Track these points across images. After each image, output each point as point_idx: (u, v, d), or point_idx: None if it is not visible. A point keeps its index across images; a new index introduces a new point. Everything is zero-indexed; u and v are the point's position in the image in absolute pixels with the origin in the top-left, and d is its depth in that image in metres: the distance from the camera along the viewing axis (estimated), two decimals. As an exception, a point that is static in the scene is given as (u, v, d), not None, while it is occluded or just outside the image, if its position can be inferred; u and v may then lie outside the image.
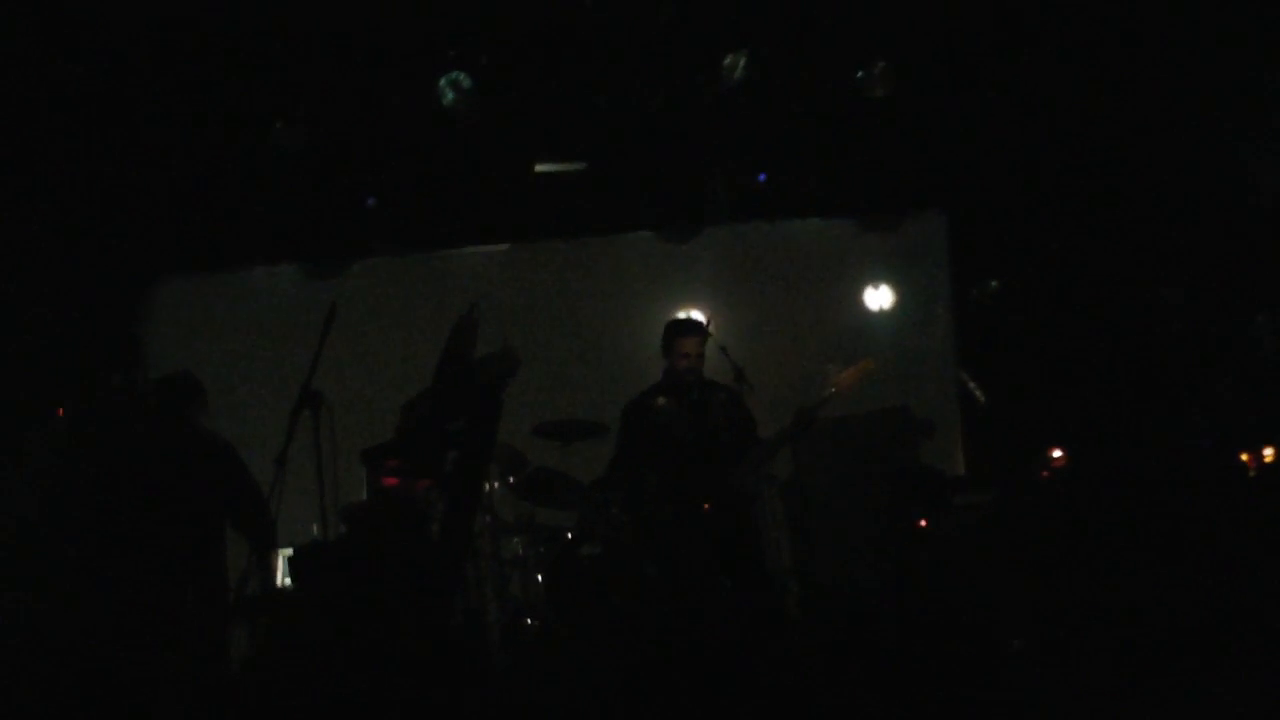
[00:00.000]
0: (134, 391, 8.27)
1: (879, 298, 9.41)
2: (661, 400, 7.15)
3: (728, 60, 8.12)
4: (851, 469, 7.96)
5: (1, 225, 7.86)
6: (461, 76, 7.94)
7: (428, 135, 8.50)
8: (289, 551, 6.75)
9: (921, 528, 7.50)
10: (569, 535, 7.68)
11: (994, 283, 9.48)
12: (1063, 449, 8.18)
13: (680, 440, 7.00)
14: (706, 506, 6.78)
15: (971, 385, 9.34)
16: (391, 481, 6.19)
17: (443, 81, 7.95)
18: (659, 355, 7.27)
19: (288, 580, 6.84)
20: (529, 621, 7.34)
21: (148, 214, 8.34)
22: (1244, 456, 7.86)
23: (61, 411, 7.59)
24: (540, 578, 7.58)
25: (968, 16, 8.05)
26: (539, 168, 8.92)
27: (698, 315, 7.78)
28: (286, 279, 9.20)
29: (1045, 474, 8.02)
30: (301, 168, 8.48)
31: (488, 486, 7.51)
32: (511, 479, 7.93)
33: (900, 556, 7.49)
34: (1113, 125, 8.47)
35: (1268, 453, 7.74)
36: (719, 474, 6.87)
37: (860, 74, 8.34)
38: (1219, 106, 7.74)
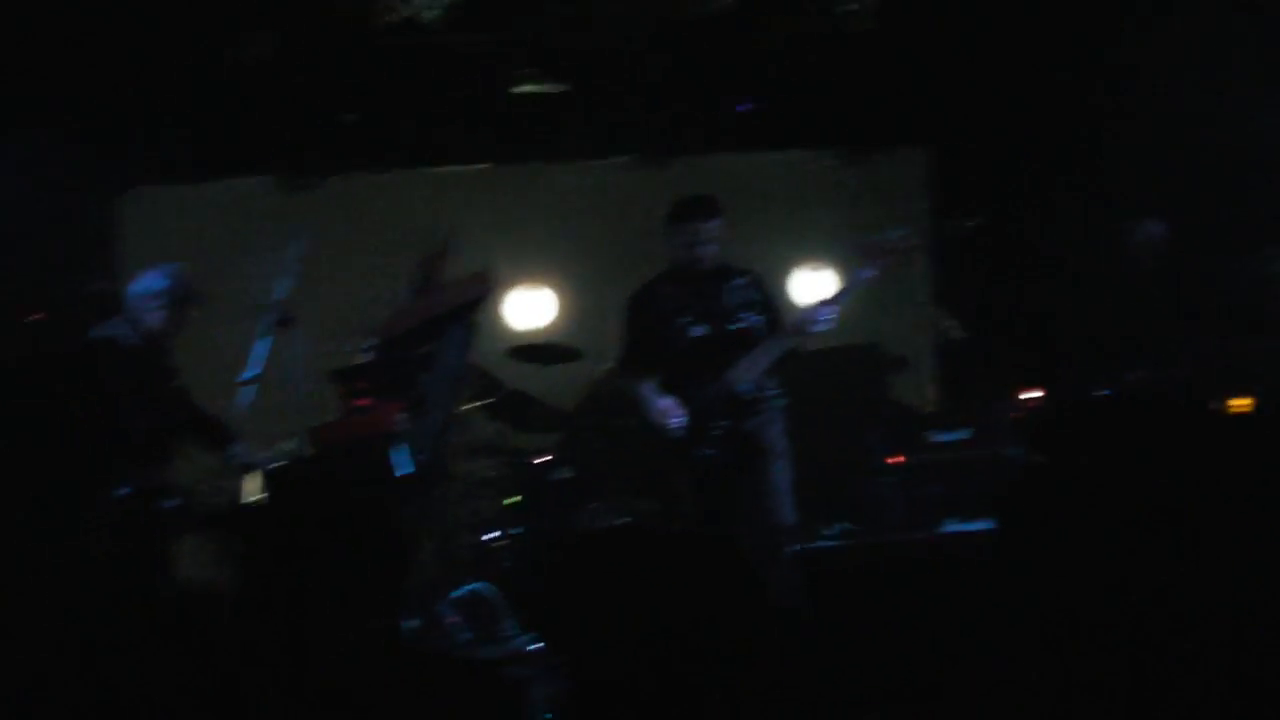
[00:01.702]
0: (106, 301, 8.21)
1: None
2: (666, 288, 6.49)
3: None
4: (820, 404, 7.97)
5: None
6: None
7: (410, 51, 8.39)
8: (259, 471, 6.75)
9: (889, 465, 7.55)
10: (542, 459, 7.72)
11: (972, 218, 9.47)
12: (1035, 389, 8.21)
13: (686, 333, 6.36)
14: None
15: (946, 320, 9.36)
16: (363, 402, 6.21)
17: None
18: (633, 283, 6.82)
19: (259, 498, 6.86)
20: (498, 544, 7.38)
21: (127, 124, 8.23)
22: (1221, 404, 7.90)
23: (31, 320, 7.54)
24: (511, 500, 7.63)
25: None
26: (519, 88, 8.82)
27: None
28: (262, 191, 9.12)
29: (1015, 415, 8.05)
30: (279, 81, 8.38)
31: (460, 409, 7.52)
32: (485, 401, 7.95)
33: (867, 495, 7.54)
34: (1098, 58, 8.42)
35: (1236, 402, 7.78)
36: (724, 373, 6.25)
37: (846, 6, 8.26)
38: (1213, 40, 7.68)
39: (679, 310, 6.38)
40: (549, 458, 7.71)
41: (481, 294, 6.45)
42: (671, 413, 6.24)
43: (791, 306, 6.46)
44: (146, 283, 6.27)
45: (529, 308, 9.24)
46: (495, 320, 8.83)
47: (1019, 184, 9.13)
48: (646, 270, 6.84)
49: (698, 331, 6.33)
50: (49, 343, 7.59)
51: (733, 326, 6.33)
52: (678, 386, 6.32)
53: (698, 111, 9.21)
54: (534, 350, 8.22)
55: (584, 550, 2.75)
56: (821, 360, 7.94)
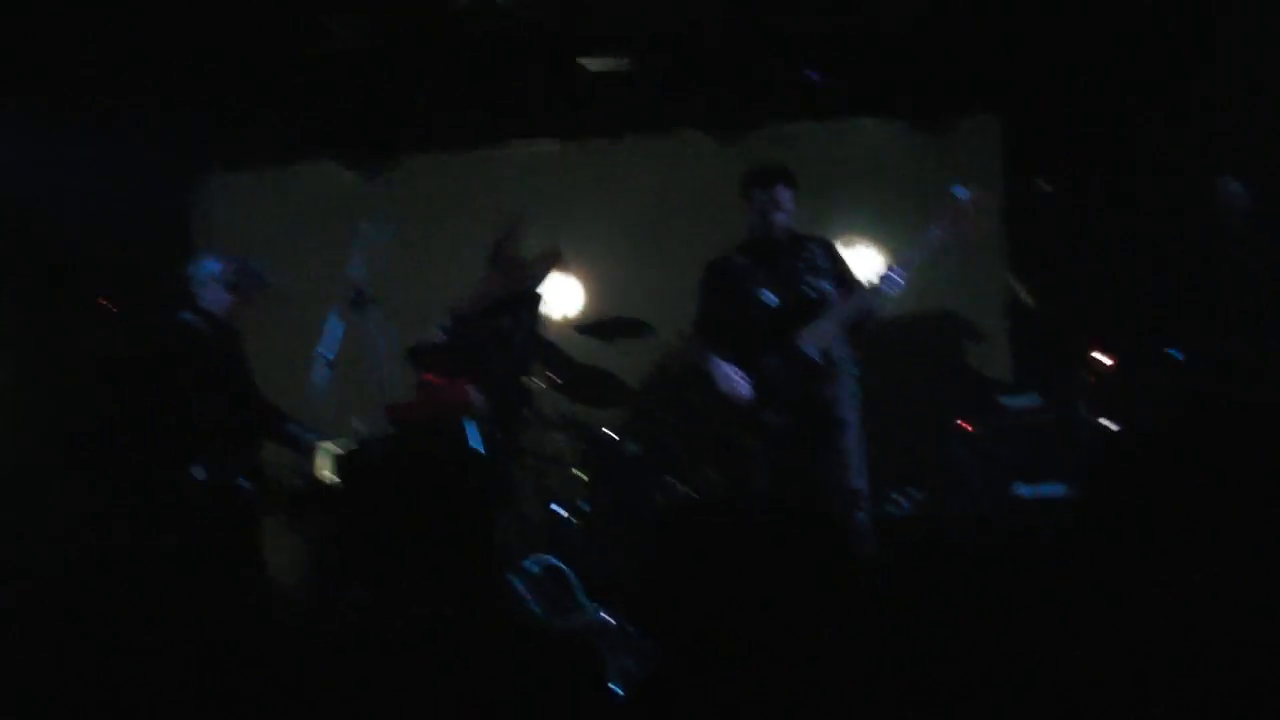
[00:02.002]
0: (185, 285, 8.34)
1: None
2: (740, 259, 6.48)
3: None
4: (896, 372, 7.94)
5: (54, 115, 7.88)
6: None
7: (476, 31, 8.43)
8: (337, 450, 6.83)
9: (963, 429, 7.51)
10: (611, 434, 7.76)
11: (1045, 184, 9.36)
12: (1111, 355, 8.13)
13: (758, 301, 6.35)
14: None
15: (1020, 288, 9.27)
16: (437, 380, 6.26)
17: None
18: (705, 258, 6.88)
19: (336, 479, 6.95)
20: (569, 519, 7.43)
21: (199, 112, 8.34)
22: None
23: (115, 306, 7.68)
24: (581, 475, 7.67)
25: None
26: (588, 64, 8.82)
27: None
28: (336, 175, 9.21)
29: (1092, 380, 7.97)
30: (350, 63, 8.45)
31: (530, 384, 7.57)
32: (554, 375, 7.99)
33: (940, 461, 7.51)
34: (1170, 21, 8.28)
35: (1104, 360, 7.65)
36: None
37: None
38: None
39: (753, 279, 6.39)
40: (619, 433, 7.74)
41: (550, 266, 6.47)
42: (740, 381, 6.23)
43: (864, 274, 6.37)
44: (203, 268, 6.34)
45: (598, 284, 9.26)
46: (565, 296, 8.87)
47: (1093, 148, 9.00)
48: (717, 245, 6.84)
49: (770, 300, 6.33)
50: (128, 330, 7.72)
51: (805, 294, 6.32)
52: (751, 355, 6.31)
53: (767, 83, 9.16)
54: (603, 326, 8.24)
55: (670, 526, 2.78)
56: (896, 328, 7.92)
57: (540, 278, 6.52)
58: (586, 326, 8.19)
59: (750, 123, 9.45)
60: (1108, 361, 8.13)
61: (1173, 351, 6.99)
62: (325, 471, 6.29)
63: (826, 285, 6.37)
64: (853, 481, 6.17)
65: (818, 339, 6.23)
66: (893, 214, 9.22)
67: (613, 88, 9.06)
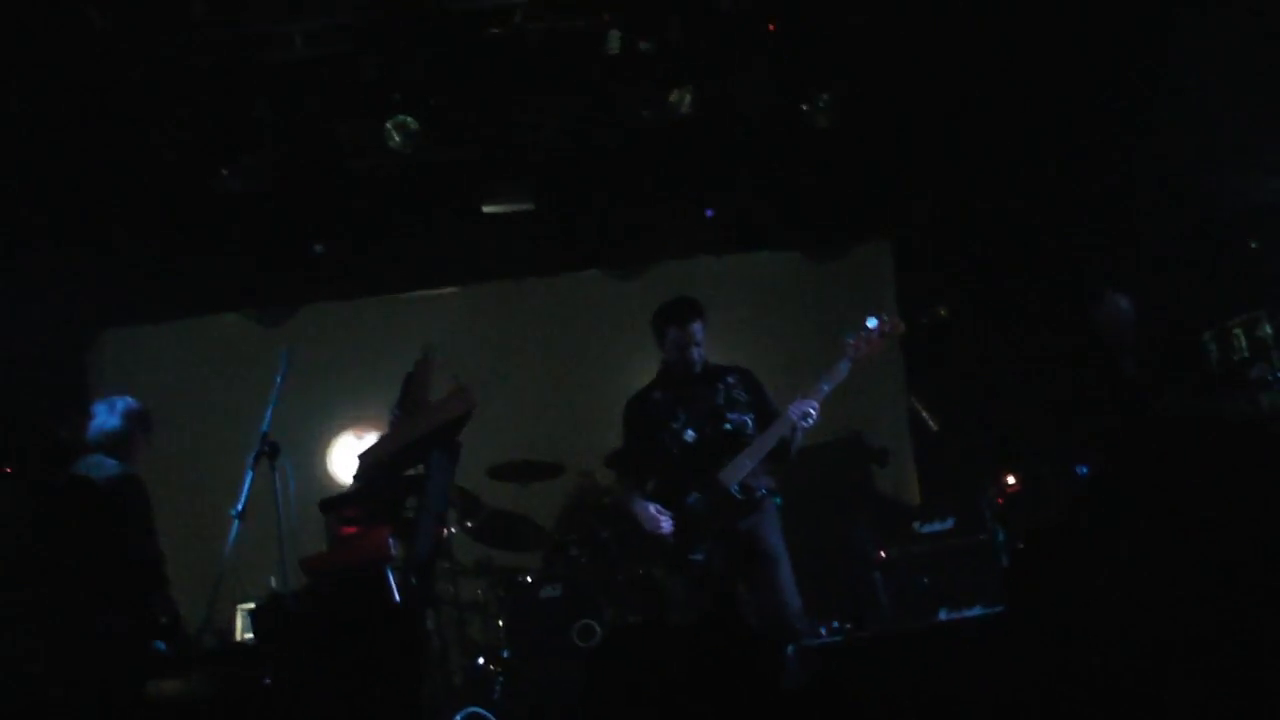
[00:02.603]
0: (80, 445, 8.14)
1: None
2: (658, 394, 6.47)
3: (673, 95, 8.15)
4: (806, 498, 7.95)
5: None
6: (408, 119, 7.91)
7: (375, 179, 8.47)
8: (249, 605, 6.66)
9: (882, 559, 7.53)
10: (528, 578, 7.66)
11: (942, 309, 9.54)
12: (1015, 475, 8.23)
13: (678, 437, 6.32)
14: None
15: (923, 412, 9.39)
16: (350, 530, 6.13)
17: (389, 124, 7.92)
18: (610, 394, 7.03)
19: (248, 635, 6.75)
20: (490, 667, 7.29)
21: (92, 264, 8.23)
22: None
23: (8, 470, 7.45)
24: (501, 622, 7.55)
25: (911, 49, 8.13)
26: (486, 208, 8.89)
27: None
28: (235, 327, 9.11)
29: (1000, 500, 8.06)
30: (247, 215, 8.42)
31: (446, 531, 7.46)
32: (469, 523, 7.90)
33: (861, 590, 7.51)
34: (1057, 146, 8.58)
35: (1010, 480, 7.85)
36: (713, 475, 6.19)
37: (804, 107, 8.40)
38: (1168, 120, 7.84)
39: (670, 415, 6.37)
40: (535, 577, 7.65)
41: (464, 411, 6.39)
42: (663, 520, 6.20)
43: (775, 404, 6.38)
44: (99, 419, 6.18)
45: (506, 426, 9.21)
46: (474, 440, 8.80)
47: (983, 271, 9.22)
48: (620, 381, 6.85)
49: (689, 436, 6.33)
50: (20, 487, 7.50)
51: (723, 427, 6.31)
52: (673, 491, 6.27)
53: (664, 219, 9.31)
54: (514, 468, 8.19)
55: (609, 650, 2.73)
56: (804, 455, 7.95)
57: (453, 419, 6.43)
58: (498, 470, 8.13)
59: (646, 258, 9.57)
60: (1012, 482, 8.23)
61: (1080, 469, 7.08)
62: (239, 628, 6.11)
63: (744, 417, 6.34)
64: (784, 613, 6.10)
65: (737, 473, 6.19)
66: (794, 341, 9.35)
67: (512, 229, 9.13)
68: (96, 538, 5.77)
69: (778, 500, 6.41)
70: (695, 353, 6.33)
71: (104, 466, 5.96)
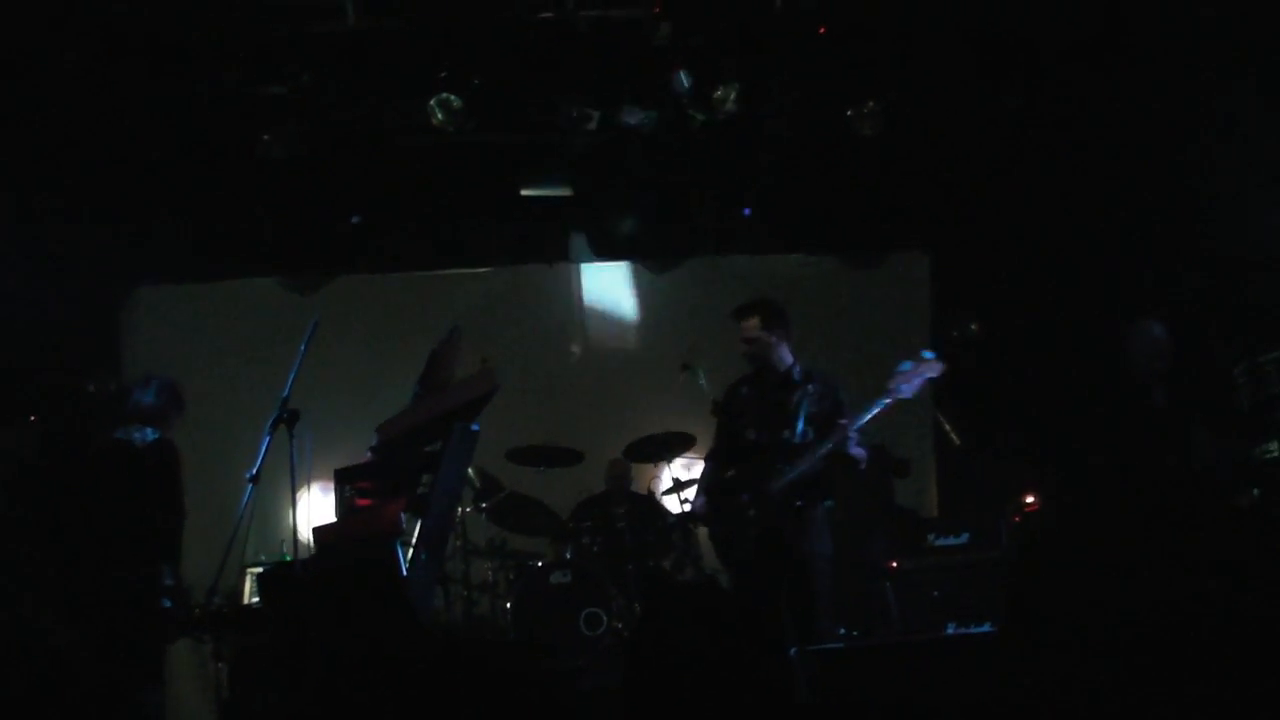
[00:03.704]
0: (108, 400, 8.21)
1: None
2: (745, 389, 6.61)
3: (719, 92, 8.13)
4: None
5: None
6: (452, 97, 7.91)
7: (416, 155, 8.48)
8: (257, 570, 6.69)
9: (894, 569, 7.49)
10: (539, 563, 7.67)
11: (974, 324, 9.49)
12: (1035, 494, 8.18)
13: (743, 435, 6.48)
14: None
15: (947, 427, 9.34)
16: (364, 503, 6.14)
17: (433, 101, 7.94)
18: (635, 384, 7.10)
19: (255, 599, 6.78)
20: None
21: (129, 222, 8.28)
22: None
23: (35, 418, 7.52)
24: (509, 604, 7.56)
25: (957, 60, 8.09)
26: (525, 191, 8.90)
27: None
28: (267, 292, 9.15)
29: (1017, 518, 8.02)
30: (286, 182, 8.44)
31: (460, 510, 7.48)
32: (484, 504, 7.91)
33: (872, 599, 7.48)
34: (1098, 169, 8.51)
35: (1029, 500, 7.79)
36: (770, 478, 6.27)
37: (849, 112, 8.37)
38: (1209, 145, 7.77)
39: (743, 411, 6.52)
40: (546, 562, 7.67)
41: (487, 391, 6.40)
42: (698, 507, 6.51)
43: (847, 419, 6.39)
44: (136, 395, 6.29)
45: (529, 409, 9.22)
46: (495, 421, 8.82)
47: (1019, 289, 9.16)
48: (648, 371, 6.88)
49: (750, 435, 6.43)
50: (55, 441, 7.58)
51: (782, 434, 6.35)
52: (735, 485, 6.38)
53: (701, 215, 9.30)
54: (534, 452, 8.19)
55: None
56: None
57: (475, 398, 6.44)
58: (517, 453, 8.13)
59: (681, 253, 9.56)
60: (1031, 501, 8.19)
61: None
62: (247, 592, 6.14)
63: (809, 428, 6.36)
64: (810, 618, 6.10)
65: (782, 482, 6.23)
66: (826, 347, 9.31)
67: (548, 215, 9.14)
68: (125, 494, 5.88)
69: (828, 504, 6.39)
70: (748, 349, 6.44)
71: (143, 432, 6.08)
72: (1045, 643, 2.51)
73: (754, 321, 6.45)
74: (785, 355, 6.48)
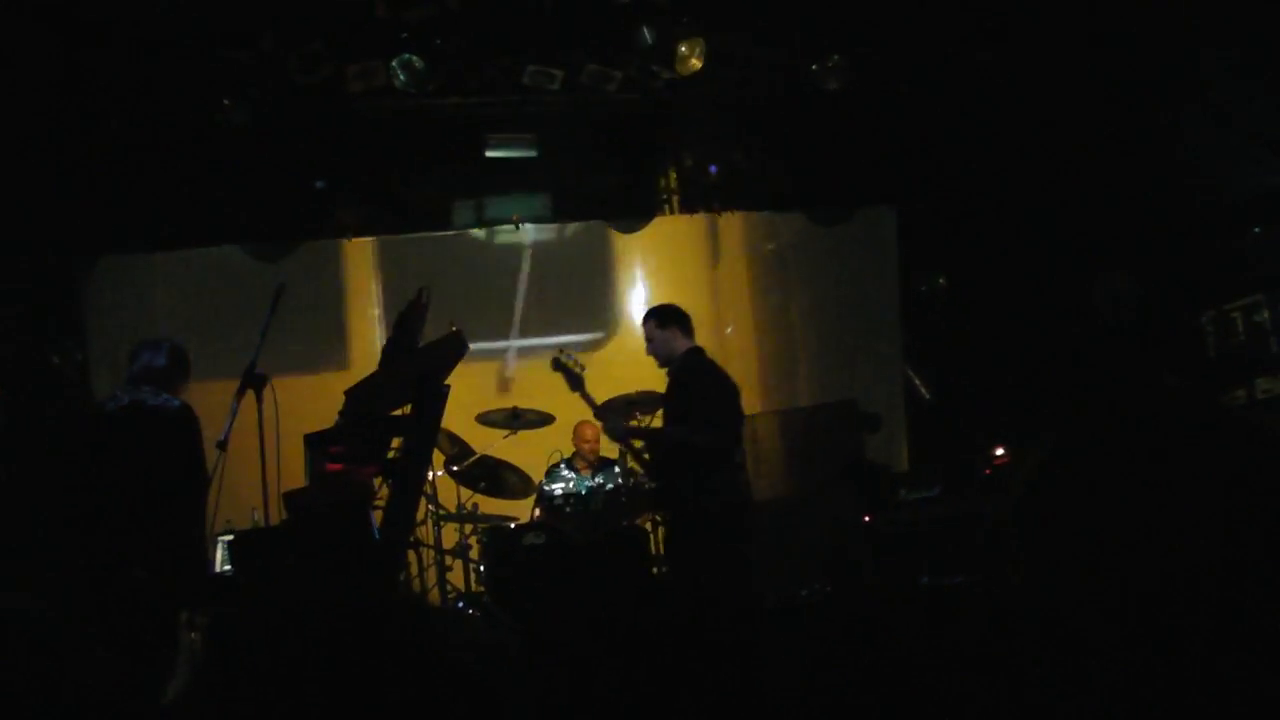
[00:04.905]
0: (72, 370, 8.13)
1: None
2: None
3: (683, 48, 8.08)
4: (797, 461, 7.96)
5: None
6: (414, 59, 7.84)
7: (379, 119, 8.40)
8: (229, 536, 6.65)
9: (866, 523, 7.52)
10: (511, 525, 7.66)
11: (941, 278, 9.51)
12: (1005, 446, 8.22)
13: None
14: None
15: (917, 381, 9.38)
16: (335, 467, 6.11)
17: (395, 63, 7.86)
18: (608, 342, 7.13)
19: (227, 567, 6.75)
20: (469, 611, 7.31)
21: (91, 191, 8.18)
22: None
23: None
24: (482, 567, 7.56)
25: (924, 13, 8.06)
26: (490, 152, 8.83)
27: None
28: (231, 260, 9.06)
29: (988, 471, 8.05)
30: (248, 148, 8.35)
31: (431, 474, 7.45)
32: (455, 467, 7.89)
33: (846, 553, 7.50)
34: (1065, 122, 8.51)
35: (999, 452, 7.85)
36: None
37: (814, 67, 8.34)
38: (1174, 103, 7.79)
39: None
40: (518, 524, 7.66)
41: (455, 354, 6.37)
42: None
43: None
44: (146, 357, 6.13)
45: (497, 372, 9.21)
46: (463, 385, 8.80)
47: (986, 241, 9.18)
48: (623, 331, 6.89)
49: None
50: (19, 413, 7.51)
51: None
52: None
53: (667, 174, 9.26)
54: (504, 415, 8.16)
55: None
56: (798, 419, 7.97)
57: (444, 361, 6.41)
58: (487, 415, 8.11)
59: (647, 212, 9.52)
60: (1001, 453, 8.22)
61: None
62: (219, 559, 6.10)
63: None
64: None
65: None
66: (793, 302, 9.33)
67: (514, 177, 9.08)
68: (149, 457, 5.71)
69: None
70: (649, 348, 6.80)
71: (164, 398, 5.94)
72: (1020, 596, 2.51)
73: (648, 326, 6.79)
74: (679, 347, 6.74)
